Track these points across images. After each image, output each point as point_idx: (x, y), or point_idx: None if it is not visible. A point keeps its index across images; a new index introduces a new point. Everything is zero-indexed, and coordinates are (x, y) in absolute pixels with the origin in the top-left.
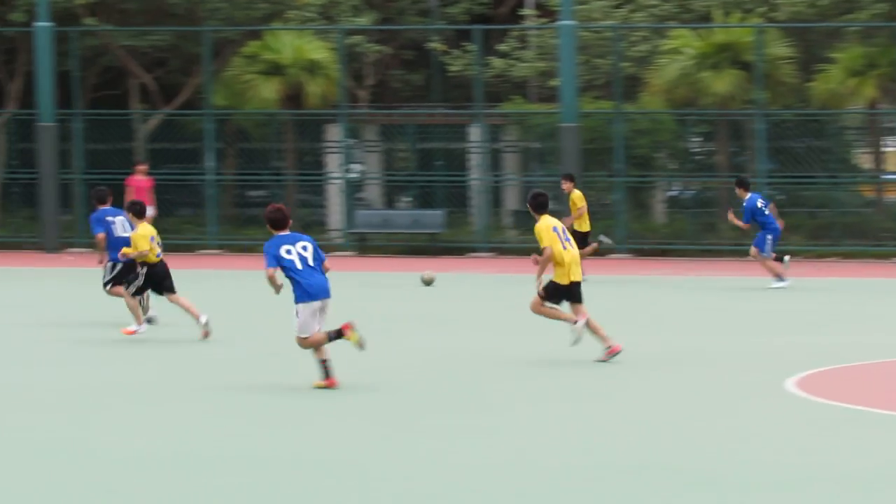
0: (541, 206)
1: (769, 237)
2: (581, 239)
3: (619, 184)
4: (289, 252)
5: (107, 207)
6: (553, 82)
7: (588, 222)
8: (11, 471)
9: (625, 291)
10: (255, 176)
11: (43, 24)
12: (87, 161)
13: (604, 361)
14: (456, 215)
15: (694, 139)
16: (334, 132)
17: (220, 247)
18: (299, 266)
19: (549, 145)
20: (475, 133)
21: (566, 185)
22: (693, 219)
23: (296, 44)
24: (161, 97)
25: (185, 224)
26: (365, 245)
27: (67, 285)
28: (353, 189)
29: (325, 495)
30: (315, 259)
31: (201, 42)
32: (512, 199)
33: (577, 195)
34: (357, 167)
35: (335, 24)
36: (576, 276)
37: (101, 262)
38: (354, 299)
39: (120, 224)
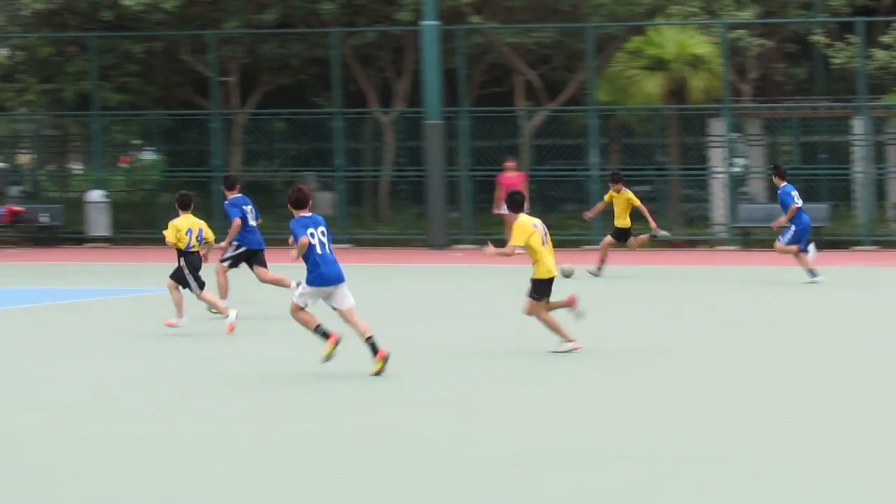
0: (517, 204)
1: (793, 228)
2: (622, 234)
3: None
4: (311, 235)
5: (237, 195)
6: None
7: (629, 218)
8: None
9: None
10: (638, 171)
11: (430, 23)
12: (473, 158)
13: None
14: (840, 208)
15: None
16: (718, 126)
17: None
18: (319, 250)
19: None
20: (859, 126)
21: (616, 186)
22: None
23: (679, 38)
24: (545, 94)
25: (570, 220)
26: (749, 239)
27: (454, 281)
28: (737, 183)
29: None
30: (330, 243)
31: (585, 38)
32: None
33: (630, 195)
34: (741, 161)
35: (718, 18)
36: (554, 272)
37: (222, 246)
38: (738, 291)
39: (251, 212)
